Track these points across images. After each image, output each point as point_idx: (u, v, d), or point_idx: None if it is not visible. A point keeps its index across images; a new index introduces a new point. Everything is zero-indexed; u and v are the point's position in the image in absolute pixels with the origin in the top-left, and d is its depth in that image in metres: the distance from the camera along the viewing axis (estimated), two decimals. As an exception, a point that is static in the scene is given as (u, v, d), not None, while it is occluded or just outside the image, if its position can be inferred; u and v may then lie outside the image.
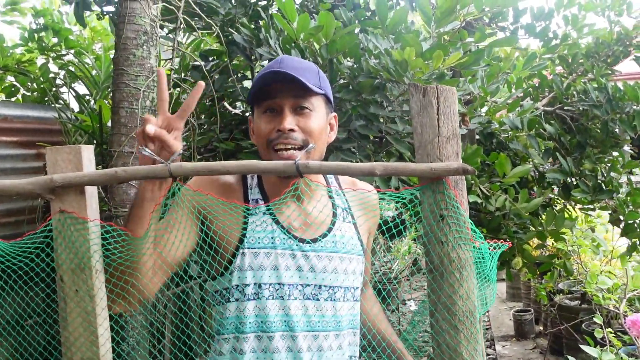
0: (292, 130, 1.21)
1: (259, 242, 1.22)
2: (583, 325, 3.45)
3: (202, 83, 1.10)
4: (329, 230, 1.29)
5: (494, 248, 1.20)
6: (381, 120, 2.17)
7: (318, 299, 1.24)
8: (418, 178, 1.04)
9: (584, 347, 1.58)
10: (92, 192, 1.08)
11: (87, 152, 1.08)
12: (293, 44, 2.09)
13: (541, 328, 4.87)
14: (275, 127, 1.21)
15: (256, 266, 1.21)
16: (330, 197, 1.35)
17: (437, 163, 1.00)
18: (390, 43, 2.10)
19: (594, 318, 1.88)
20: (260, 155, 1.28)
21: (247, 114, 2.60)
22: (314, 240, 1.26)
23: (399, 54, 1.86)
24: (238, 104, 2.81)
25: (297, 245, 1.24)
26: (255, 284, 1.21)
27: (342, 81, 2.18)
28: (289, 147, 1.21)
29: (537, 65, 2.52)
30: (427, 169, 0.99)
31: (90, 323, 1.05)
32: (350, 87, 2.14)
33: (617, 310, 1.94)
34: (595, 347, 2.27)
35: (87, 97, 3.07)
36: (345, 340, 1.29)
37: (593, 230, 3.08)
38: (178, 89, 2.41)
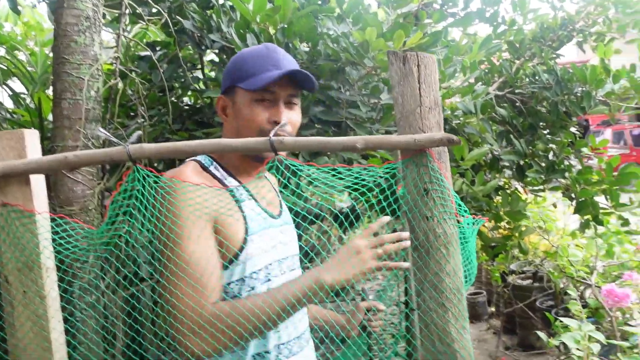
0: (284, 123, 1.24)
1: (257, 226, 1.23)
2: (537, 303, 3.53)
3: None
4: (281, 204, 1.39)
5: (473, 224, 1.17)
6: (341, 105, 2.11)
7: (294, 269, 1.33)
8: (400, 151, 0.98)
9: (564, 320, 1.59)
10: (38, 182, 0.97)
11: (31, 138, 0.97)
12: (247, 28, 2.00)
13: (493, 309, 4.97)
14: (271, 118, 1.24)
15: (262, 249, 1.22)
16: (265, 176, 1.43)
17: (421, 134, 0.95)
18: (349, 26, 2.04)
19: (568, 293, 1.89)
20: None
21: (199, 104, 2.49)
22: (279, 215, 1.34)
23: (360, 35, 1.81)
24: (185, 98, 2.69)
25: (274, 222, 1.29)
26: (264, 266, 1.23)
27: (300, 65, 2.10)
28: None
29: (492, 47, 2.53)
30: (411, 141, 0.94)
31: (42, 327, 0.93)
32: (308, 72, 2.07)
33: (588, 282, 1.97)
34: (554, 322, 2.31)
35: (23, 95, 2.86)
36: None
37: (555, 206, 3.15)
38: (120, 80, 2.27)
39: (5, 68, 2.97)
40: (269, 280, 1.22)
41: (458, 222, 1.03)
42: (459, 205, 1.02)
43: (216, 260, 1.13)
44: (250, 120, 1.24)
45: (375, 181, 1.16)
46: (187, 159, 1.23)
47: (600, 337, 1.44)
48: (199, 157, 1.28)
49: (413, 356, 1.25)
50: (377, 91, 2.13)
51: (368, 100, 2.22)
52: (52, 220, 0.97)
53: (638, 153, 13.32)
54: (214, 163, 1.28)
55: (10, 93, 2.69)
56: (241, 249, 1.19)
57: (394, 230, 1.05)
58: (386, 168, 1.00)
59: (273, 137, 0.92)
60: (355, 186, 1.16)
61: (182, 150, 0.92)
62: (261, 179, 1.34)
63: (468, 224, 1.11)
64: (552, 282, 3.27)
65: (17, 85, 3.02)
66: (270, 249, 1.24)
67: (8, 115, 2.53)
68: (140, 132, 0.93)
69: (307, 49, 2.14)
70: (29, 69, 3.03)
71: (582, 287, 2.47)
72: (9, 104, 2.85)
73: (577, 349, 1.42)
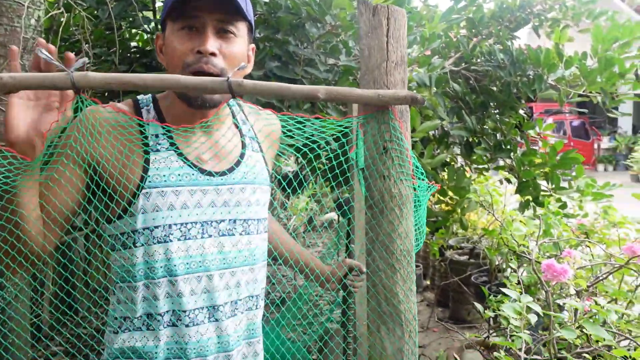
0: (213, 54, 1.07)
1: (165, 181, 1.09)
2: (472, 278, 3.66)
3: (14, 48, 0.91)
4: (239, 160, 1.20)
5: (427, 189, 1.16)
6: (298, 62, 2.05)
7: (233, 234, 1.16)
8: (360, 106, 0.95)
9: (506, 290, 1.63)
10: (-33, 104, 0.87)
11: (-39, 54, 0.87)
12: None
13: (428, 282, 5.13)
14: (195, 48, 1.07)
15: (164, 206, 1.09)
16: (237, 125, 1.25)
17: (385, 90, 0.92)
18: (312, -20, 1.97)
19: (502, 270, 1.93)
20: None
21: (148, 48, 2.36)
22: (225, 173, 1.17)
23: (324, -10, 1.75)
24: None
25: (207, 179, 1.14)
26: (164, 225, 1.09)
27: (257, 17, 2.02)
28: (209, 73, 1.07)
29: (453, 19, 2.52)
30: (374, 96, 0.90)
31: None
32: (266, 24, 1.99)
33: (528, 257, 2.04)
34: (488, 296, 2.39)
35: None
36: (260, 273, 1.24)
37: (502, 182, 3.24)
38: (65, 12, 2.11)
39: None
40: (170, 241, 1.09)
41: (413, 186, 1.01)
42: (416, 167, 1.00)
43: (61, 196, 1.05)
44: (173, 52, 1.09)
45: (326, 140, 1.12)
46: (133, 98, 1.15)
47: (538, 309, 1.49)
48: (142, 96, 1.18)
49: (347, 327, 1.25)
50: (336, 51, 2.08)
51: (326, 60, 2.17)
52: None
53: (575, 143, 13.98)
54: (152, 105, 1.16)
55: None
56: (130, 201, 1.08)
57: (346, 201, 1.02)
58: (347, 122, 0.96)
59: (232, 79, 0.87)
60: (312, 138, 1.12)
61: (132, 82, 0.85)
62: (209, 130, 1.17)
63: (422, 187, 1.10)
64: (488, 259, 3.38)
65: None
66: (180, 208, 1.10)
67: None
68: (85, 59, 0.85)
69: (267, 0, 2.06)
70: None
71: (516, 265, 2.56)
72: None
73: (515, 319, 1.46)
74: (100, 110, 1.09)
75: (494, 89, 2.98)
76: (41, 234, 1.03)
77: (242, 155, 1.21)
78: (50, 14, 1.85)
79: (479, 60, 3.02)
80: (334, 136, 1.13)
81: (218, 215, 1.14)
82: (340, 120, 0.98)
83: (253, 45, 1.23)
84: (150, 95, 1.19)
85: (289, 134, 1.25)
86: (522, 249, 2.14)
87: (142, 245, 1.09)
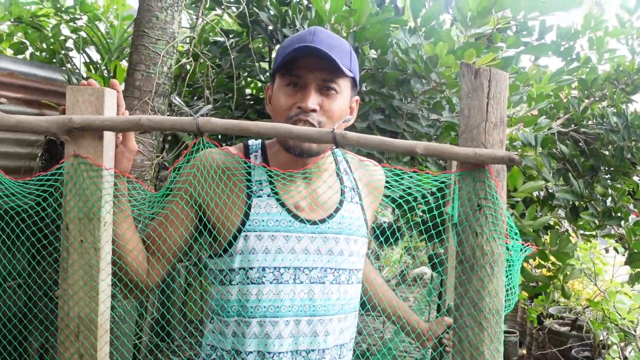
0: (313, 110, 1.14)
1: (264, 225, 1.17)
2: (573, 352, 3.41)
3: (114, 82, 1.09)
4: (337, 211, 1.24)
5: (521, 250, 1.15)
6: (401, 116, 2.11)
7: (324, 282, 1.20)
8: (458, 163, 0.98)
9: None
10: (110, 140, 1.02)
11: (110, 97, 1.02)
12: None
13: (524, 352, 4.82)
14: (297, 103, 1.15)
15: (260, 249, 1.16)
16: (339, 175, 1.29)
17: (483, 149, 0.95)
18: (420, 39, 2.05)
19: (607, 346, 1.81)
20: None
21: (261, 95, 2.55)
22: (321, 222, 1.21)
23: (431, 48, 1.81)
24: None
25: (303, 227, 1.19)
26: (259, 267, 1.16)
27: (364, 71, 2.13)
28: (310, 124, 1.16)
29: (563, 80, 2.48)
30: (472, 154, 0.93)
31: (92, 277, 0.98)
32: (373, 79, 2.08)
33: (632, 332, 1.90)
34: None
35: (97, 64, 3.00)
36: (347, 323, 1.26)
37: (607, 251, 3.05)
38: (193, 61, 2.35)
39: (86, 36, 3.12)
40: (262, 283, 1.15)
41: (506, 243, 1.01)
42: (510, 226, 1.01)
43: (171, 232, 1.18)
44: (278, 105, 1.17)
45: (422, 194, 1.15)
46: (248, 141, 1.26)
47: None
48: (252, 142, 1.29)
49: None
50: (439, 107, 2.12)
51: (428, 115, 2.21)
52: (116, 177, 1.02)
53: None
54: (260, 151, 1.25)
55: (88, 60, 2.82)
56: (230, 243, 1.16)
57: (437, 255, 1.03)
58: (444, 177, 0.99)
59: (337, 130, 0.94)
60: (409, 190, 1.15)
61: (249, 129, 0.95)
62: (309, 179, 1.23)
63: (515, 247, 1.09)
64: (592, 332, 3.14)
65: (92, 53, 3.16)
66: (275, 252, 1.16)
67: (83, 80, 2.65)
68: (210, 106, 0.96)
69: (375, 56, 2.16)
70: (106, 40, 3.16)
71: (622, 344, 2.37)
72: (83, 71, 2.99)
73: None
74: (212, 153, 1.20)
75: (606, 153, 2.85)
76: (141, 265, 1.14)
77: (339, 206, 1.25)
78: (180, 63, 2.07)
79: (589, 122, 2.92)
80: (430, 190, 1.16)
81: (310, 263, 1.19)
82: (437, 175, 1.02)
83: (357, 98, 1.29)
84: (260, 141, 1.30)
85: (387, 185, 1.29)
86: (626, 323, 1.98)
87: (238, 284, 1.17)
